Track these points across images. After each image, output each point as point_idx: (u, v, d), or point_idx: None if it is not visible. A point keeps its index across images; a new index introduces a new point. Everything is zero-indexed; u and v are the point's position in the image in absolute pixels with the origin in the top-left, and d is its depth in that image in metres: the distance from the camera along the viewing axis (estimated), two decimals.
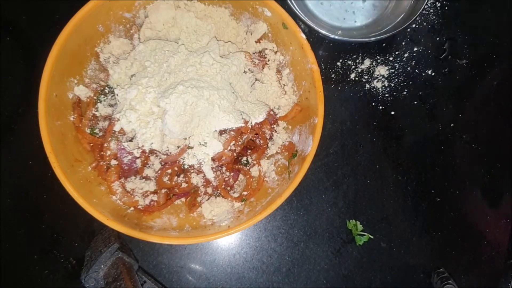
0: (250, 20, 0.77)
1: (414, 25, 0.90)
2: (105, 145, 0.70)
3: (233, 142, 0.70)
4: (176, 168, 0.71)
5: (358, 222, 0.85)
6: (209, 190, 0.74)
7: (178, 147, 0.69)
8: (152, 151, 0.70)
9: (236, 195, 0.76)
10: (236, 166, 0.76)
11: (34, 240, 0.82)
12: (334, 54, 0.89)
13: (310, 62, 0.71)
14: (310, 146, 0.69)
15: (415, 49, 0.90)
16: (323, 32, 0.79)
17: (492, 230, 0.88)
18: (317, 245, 0.85)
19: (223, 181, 0.73)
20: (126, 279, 0.67)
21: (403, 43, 0.90)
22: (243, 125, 0.69)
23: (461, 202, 0.88)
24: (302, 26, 0.83)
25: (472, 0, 0.91)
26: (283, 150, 0.77)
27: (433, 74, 0.89)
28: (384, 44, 0.89)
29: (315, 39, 0.88)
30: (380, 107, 0.88)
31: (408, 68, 0.89)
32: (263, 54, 0.78)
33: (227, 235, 0.66)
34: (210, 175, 0.71)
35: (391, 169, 0.88)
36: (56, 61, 0.65)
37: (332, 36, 0.80)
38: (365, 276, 0.86)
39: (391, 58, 0.89)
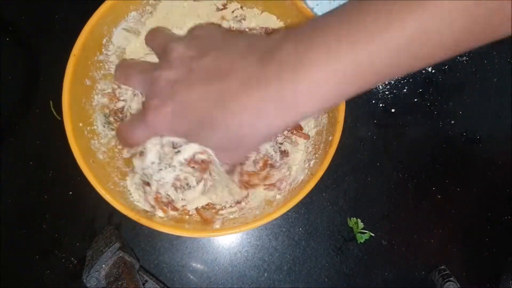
0: None
1: None
2: None
3: None
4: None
5: (359, 220, 0.85)
6: None
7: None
8: None
9: None
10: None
11: (35, 240, 0.82)
12: None
13: None
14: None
15: None
16: None
17: (493, 227, 0.88)
18: (318, 243, 0.85)
19: None
20: (128, 278, 0.67)
21: None
22: None
23: (461, 199, 0.88)
24: None
25: None
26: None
27: (433, 71, 0.89)
28: None
29: None
30: (380, 105, 0.88)
31: None
32: None
33: (239, 232, 0.65)
34: None
35: (392, 167, 0.88)
36: (74, 69, 0.62)
37: None
38: (366, 273, 0.86)
39: None
